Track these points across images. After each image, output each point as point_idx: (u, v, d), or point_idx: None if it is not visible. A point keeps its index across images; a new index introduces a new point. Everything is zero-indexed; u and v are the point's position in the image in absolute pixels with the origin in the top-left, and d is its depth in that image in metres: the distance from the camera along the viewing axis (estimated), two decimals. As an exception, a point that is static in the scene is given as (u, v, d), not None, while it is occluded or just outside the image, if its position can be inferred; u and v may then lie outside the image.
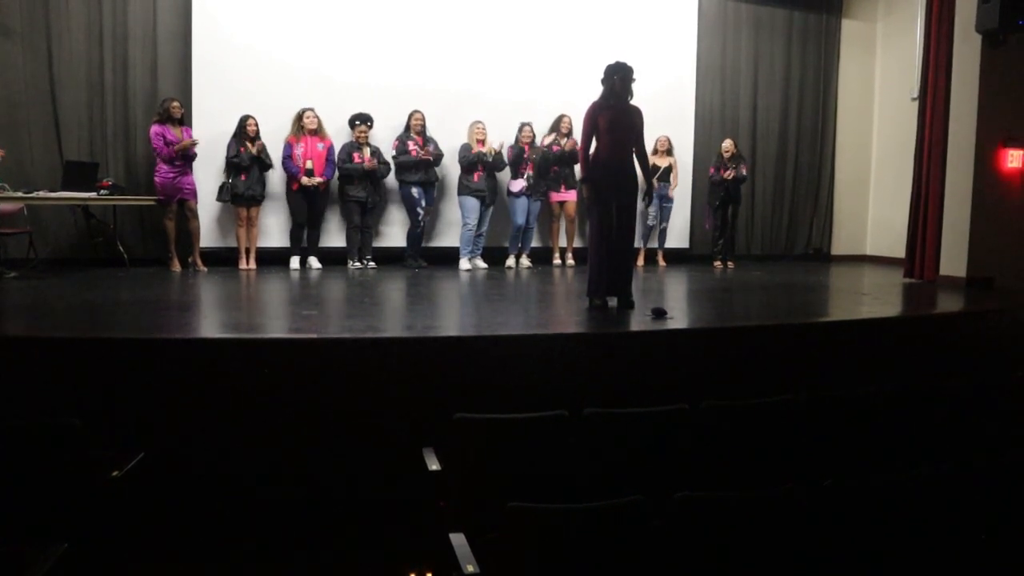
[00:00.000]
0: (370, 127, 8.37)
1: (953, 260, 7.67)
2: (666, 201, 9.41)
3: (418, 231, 8.57)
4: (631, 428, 3.11)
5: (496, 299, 6.55)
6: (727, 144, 9.42)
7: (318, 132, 8.19)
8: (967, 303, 6.74)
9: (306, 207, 8.19)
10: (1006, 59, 7.31)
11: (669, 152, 9.40)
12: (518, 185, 8.72)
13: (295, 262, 8.23)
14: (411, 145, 8.37)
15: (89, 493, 2.75)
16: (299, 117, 8.14)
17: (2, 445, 2.71)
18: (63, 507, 2.69)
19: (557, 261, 9.17)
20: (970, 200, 7.48)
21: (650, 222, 9.34)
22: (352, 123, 8.32)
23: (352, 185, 8.25)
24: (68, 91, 7.87)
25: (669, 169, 9.34)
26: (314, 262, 8.26)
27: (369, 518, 3.73)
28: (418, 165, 8.36)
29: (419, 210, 8.45)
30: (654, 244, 9.53)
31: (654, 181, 8.15)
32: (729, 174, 9.15)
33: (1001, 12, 7.01)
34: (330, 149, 8.24)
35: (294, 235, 8.29)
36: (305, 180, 8.01)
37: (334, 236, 8.62)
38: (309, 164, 8.05)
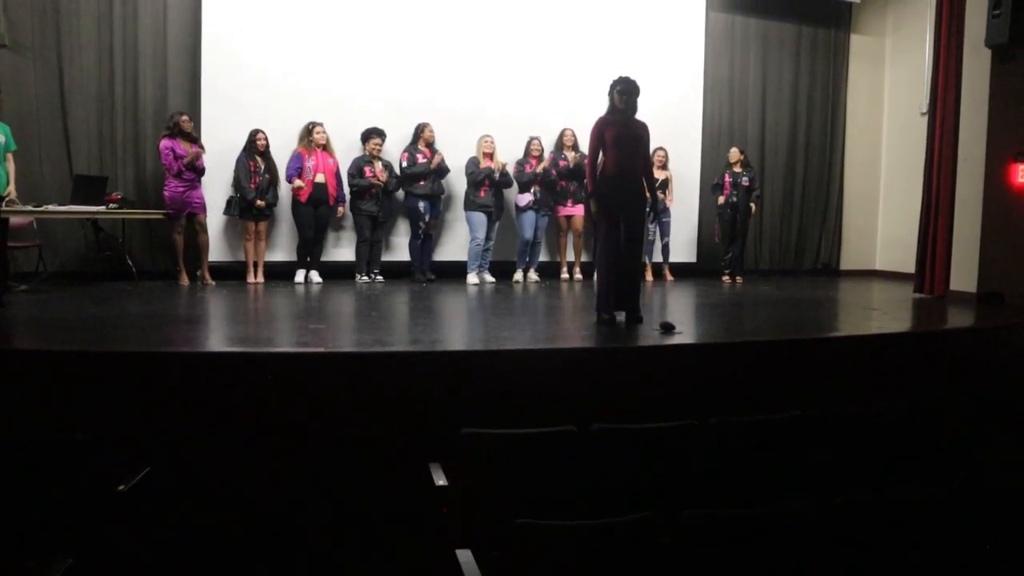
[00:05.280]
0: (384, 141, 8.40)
1: (963, 275, 7.63)
2: (664, 216, 9.36)
3: (418, 242, 8.57)
4: (639, 444, 3.09)
5: (504, 313, 6.53)
6: (734, 152, 9.39)
7: (327, 148, 8.22)
8: (978, 319, 6.69)
9: (313, 221, 8.18)
10: (1016, 74, 7.28)
11: (664, 166, 9.34)
12: (525, 199, 8.72)
13: (300, 276, 8.23)
14: (420, 158, 8.39)
15: (95, 507, 2.74)
16: (308, 131, 8.14)
17: (9, 459, 2.71)
18: (69, 521, 2.68)
19: (565, 275, 9.16)
20: (980, 215, 7.44)
21: (649, 237, 9.24)
22: (366, 137, 8.33)
23: (364, 199, 8.26)
24: (78, 105, 7.92)
25: (666, 183, 9.29)
26: (315, 276, 8.25)
27: (375, 533, 3.71)
28: (427, 174, 8.35)
29: (420, 223, 8.45)
30: (659, 259, 9.49)
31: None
32: (745, 181, 9.15)
33: (1011, 27, 6.99)
34: (338, 167, 8.28)
35: (301, 250, 8.31)
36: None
37: (341, 249, 8.63)
38: (299, 184, 8.01)
